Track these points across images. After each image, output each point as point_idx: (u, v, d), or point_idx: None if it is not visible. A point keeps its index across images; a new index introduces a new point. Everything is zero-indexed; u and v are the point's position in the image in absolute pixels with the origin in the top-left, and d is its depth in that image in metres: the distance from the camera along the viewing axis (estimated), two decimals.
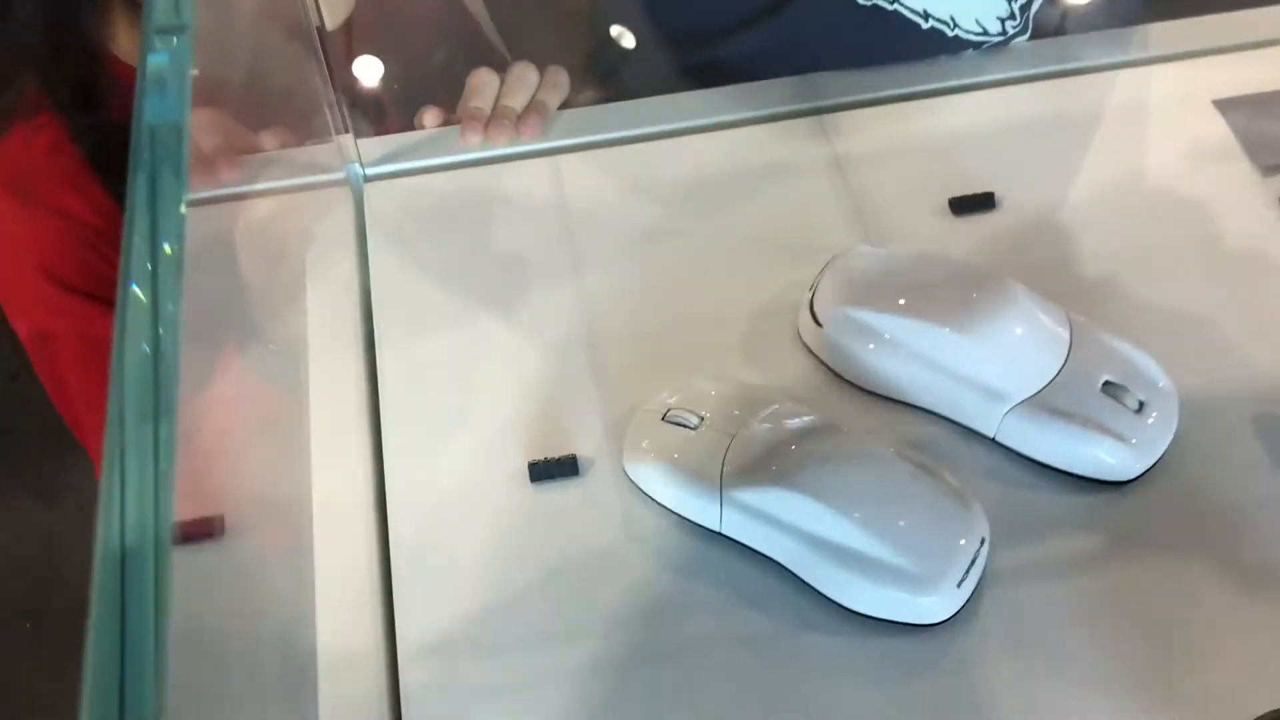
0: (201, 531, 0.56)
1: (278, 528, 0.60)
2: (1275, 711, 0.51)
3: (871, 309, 0.62)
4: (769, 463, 0.56)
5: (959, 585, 0.54)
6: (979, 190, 0.71)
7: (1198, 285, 0.67)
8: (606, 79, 0.87)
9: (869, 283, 0.63)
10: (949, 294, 0.62)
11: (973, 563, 0.55)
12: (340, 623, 0.57)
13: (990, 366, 0.60)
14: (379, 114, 0.84)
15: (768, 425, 0.58)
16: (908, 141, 0.75)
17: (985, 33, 0.82)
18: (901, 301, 0.62)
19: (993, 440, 0.60)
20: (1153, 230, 0.70)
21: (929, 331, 0.60)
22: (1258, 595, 0.56)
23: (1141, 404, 0.59)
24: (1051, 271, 0.68)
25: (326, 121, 0.73)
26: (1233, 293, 0.67)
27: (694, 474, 0.58)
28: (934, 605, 0.54)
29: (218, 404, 0.64)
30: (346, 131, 0.74)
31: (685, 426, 0.59)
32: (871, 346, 0.62)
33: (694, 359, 0.65)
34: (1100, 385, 0.59)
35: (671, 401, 0.61)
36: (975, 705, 0.53)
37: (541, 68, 0.77)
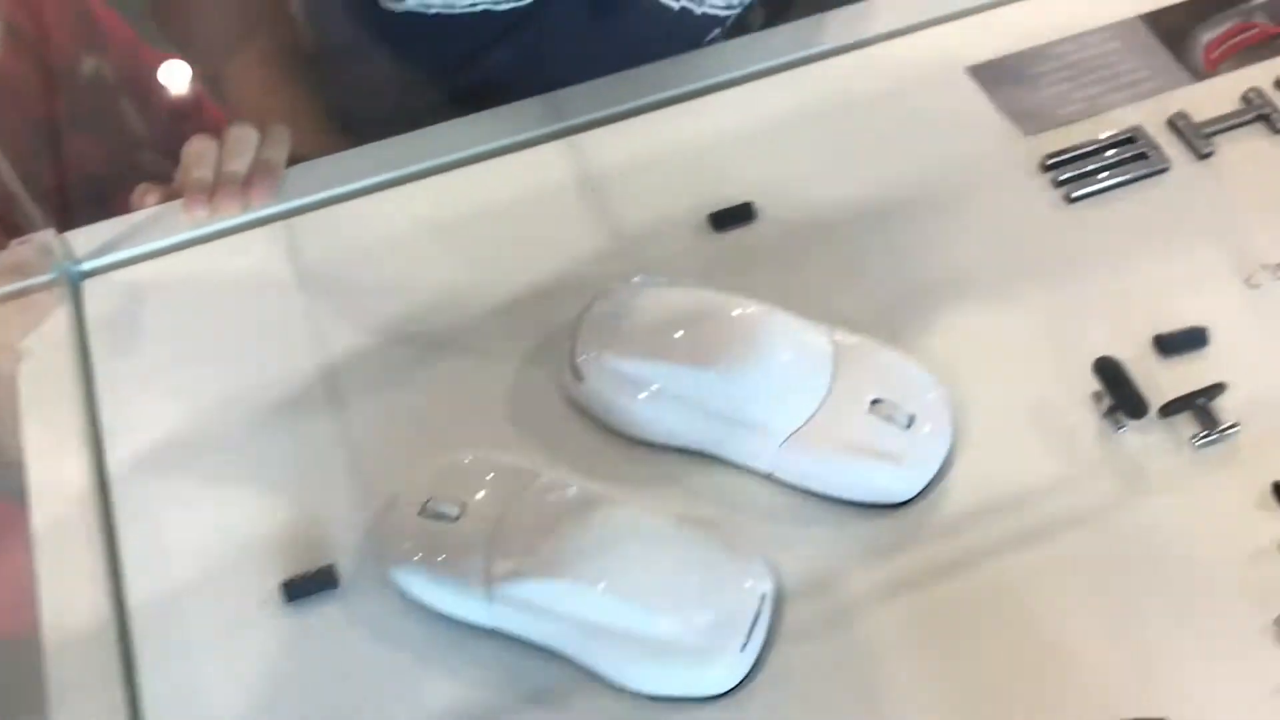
0: None
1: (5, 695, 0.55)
2: None
3: (630, 357, 0.58)
4: (534, 550, 0.53)
5: (742, 649, 0.51)
6: (737, 201, 0.68)
7: (970, 268, 0.65)
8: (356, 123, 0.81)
9: (627, 327, 0.60)
10: (707, 331, 0.58)
11: (755, 623, 0.52)
12: None
13: (756, 403, 0.57)
14: (92, 196, 0.77)
15: (531, 506, 0.55)
16: (662, 153, 0.71)
17: (730, 5, 0.79)
18: (660, 346, 0.58)
19: (771, 476, 0.58)
20: (919, 215, 0.68)
21: (689, 375, 0.57)
22: (1056, 592, 0.55)
23: (911, 418, 0.57)
24: (817, 279, 0.65)
25: (23, 216, 0.66)
26: (1005, 271, 0.65)
27: (458, 573, 0.53)
28: (719, 675, 0.51)
29: None
30: (49, 226, 0.67)
31: (445, 518, 0.55)
32: (636, 397, 0.58)
33: (457, 429, 0.61)
34: (868, 405, 0.57)
35: (429, 490, 0.57)
36: None
37: (259, 126, 0.71)
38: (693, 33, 0.81)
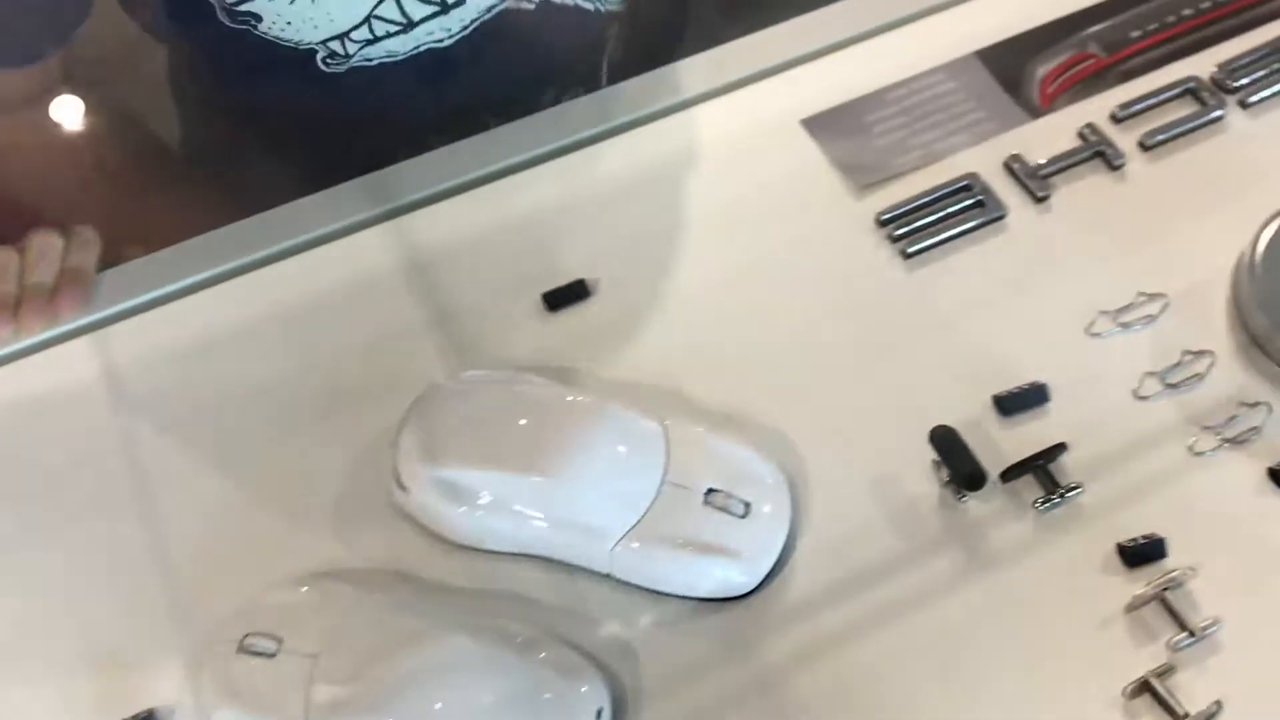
0: None
1: None
2: None
3: (453, 466, 0.55)
4: (354, 686, 0.50)
5: None
6: (571, 278, 0.65)
7: (808, 335, 0.63)
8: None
9: (448, 433, 0.57)
10: (533, 432, 0.56)
11: None
12: None
13: (587, 506, 0.54)
14: None
15: (353, 636, 0.52)
16: (492, 231, 0.68)
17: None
18: (484, 452, 0.56)
19: (609, 577, 0.56)
20: (755, 281, 0.66)
21: (516, 483, 0.55)
22: (908, 672, 0.53)
23: (748, 506, 0.55)
24: (654, 356, 0.63)
25: None
26: (844, 336, 0.63)
27: (276, 716, 0.51)
28: None
29: None
30: None
31: (263, 654, 0.52)
32: (462, 508, 0.56)
33: (280, 547, 0.58)
34: (703, 496, 0.55)
35: (247, 624, 0.53)
36: None
37: (62, 231, 0.67)
38: (591, 30, 0.81)
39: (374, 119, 0.78)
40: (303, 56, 0.73)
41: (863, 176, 0.69)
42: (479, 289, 0.66)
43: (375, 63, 0.75)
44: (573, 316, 0.65)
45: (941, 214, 0.67)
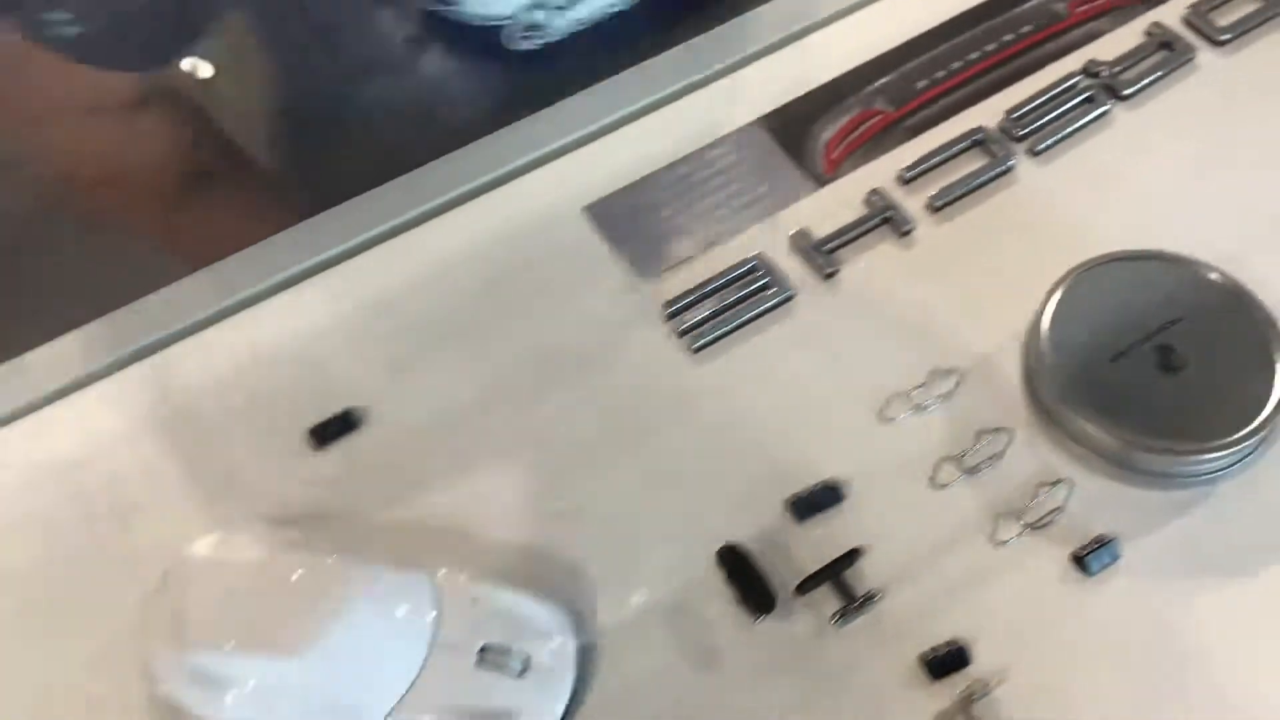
0: None
1: None
2: None
3: (204, 653, 0.50)
4: None
5: None
6: (338, 408, 0.60)
7: (595, 451, 0.59)
8: None
9: (198, 614, 0.51)
10: (287, 607, 0.51)
11: None
12: None
13: (349, 683, 0.50)
14: None
15: None
16: (249, 364, 0.63)
17: None
18: (236, 634, 0.50)
19: None
20: (540, 393, 0.61)
21: (269, 667, 0.49)
22: None
23: (527, 660, 0.51)
24: (430, 490, 0.58)
25: None
26: (632, 448, 0.59)
27: None
28: None
29: None
30: None
31: None
32: (221, 697, 0.50)
33: None
34: (477, 656, 0.51)
35: None
36: None
37: None
38: None
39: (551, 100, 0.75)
40: (490, 37, 0.71)
41: (648, 265, 0.65)
42: (239, 431, 0.61)
43: (561, 36, 0.72)
44: (342, 451, 0.60)
45: (729, 301, 0.63)
